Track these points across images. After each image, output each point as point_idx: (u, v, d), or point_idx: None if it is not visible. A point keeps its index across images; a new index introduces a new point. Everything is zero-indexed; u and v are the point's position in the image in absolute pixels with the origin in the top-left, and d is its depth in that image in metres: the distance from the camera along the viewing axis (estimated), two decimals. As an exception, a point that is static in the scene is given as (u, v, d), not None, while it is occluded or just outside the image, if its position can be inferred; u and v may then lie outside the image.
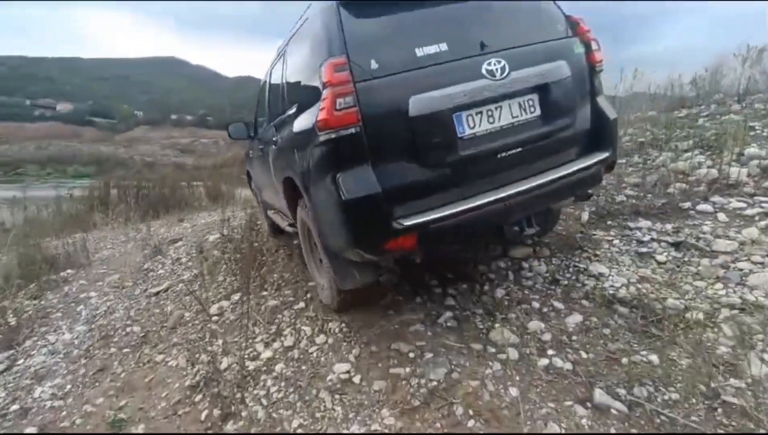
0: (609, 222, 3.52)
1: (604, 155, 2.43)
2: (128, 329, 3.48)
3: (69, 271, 5.77)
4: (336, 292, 2.63)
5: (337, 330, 2.66)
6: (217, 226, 5.80)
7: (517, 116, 2.22)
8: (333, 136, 1.97)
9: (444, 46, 2.12)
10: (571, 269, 2.98)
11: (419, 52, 2.09)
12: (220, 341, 2.89)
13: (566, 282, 2.84)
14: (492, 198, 2.12)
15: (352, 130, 1.95)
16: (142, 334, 3.37)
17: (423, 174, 2.07)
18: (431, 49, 2.10)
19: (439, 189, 2.12)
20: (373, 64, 2.02)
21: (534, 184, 2.21)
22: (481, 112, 2.15)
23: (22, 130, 63.31)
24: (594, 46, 2.46)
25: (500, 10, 2.35)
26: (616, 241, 3.20)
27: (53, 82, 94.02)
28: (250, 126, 4.25)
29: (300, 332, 2.71)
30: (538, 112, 2.27)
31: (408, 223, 2.00)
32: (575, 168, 2.33)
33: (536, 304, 2.65)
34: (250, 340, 2.74)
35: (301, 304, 3.06)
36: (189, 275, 4.45)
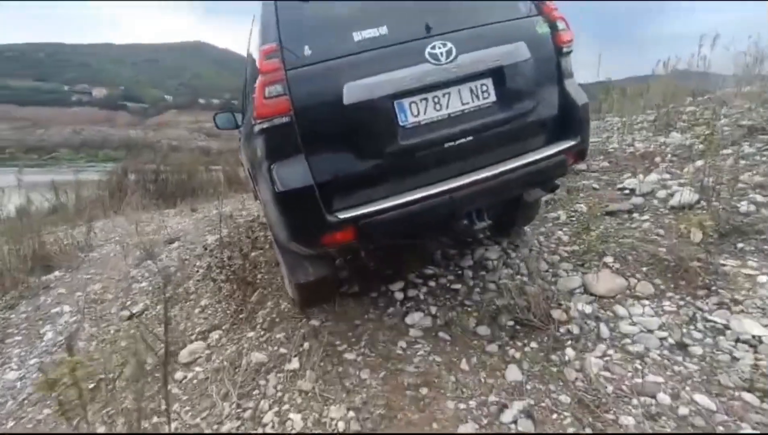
0: (739, 244, 2.44)
1: (570, 144, 2.21)
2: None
3: (56, 273, 5.11)
4: (294, 287, 2.50)
5: (342, 426, 1.73)
6: (220, 222, 4.97)
7: (467, 103, 2.05)
8: (265, 125, 1.87)
9: (384, 30, 2.00)
10: (701, 325, 1.95)
11: (357, 36, 1.98)
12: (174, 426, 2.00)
13: (701, 351, 1.81)
14: (435, 190, 1.97)
15: (284, 120, 1.85)
16: (92, 384, 2.56)
17: (361, 165, 1.96)
18: (370, 33, 1.98)
19: (379, 181, 2.00)
20: (307, 51, 1.92)
21: (484, 175, 2.02)
22: (426, 99, 2.00)
23: (61, 114, 65.13)
24: (561, 25, 2.23)
25: None
26: (762, 278, 2.13)
27: (88, 67, 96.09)
28: (239, 115, 3.74)
29: (286, 422, 1.79)
30: (493, 97, 2.09)
31: (344, 215, 1.90)
32: (533, 158, 2.12)
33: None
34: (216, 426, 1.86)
35: (295, 364, 2.14)
36: (172, 291, 3.64)
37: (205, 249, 4.78)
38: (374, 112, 1.90)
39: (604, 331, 2.03)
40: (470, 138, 2.02)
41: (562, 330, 2.07)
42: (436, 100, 2.00)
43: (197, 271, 4.16)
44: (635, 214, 3.10)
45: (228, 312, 2.91)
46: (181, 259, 4.55)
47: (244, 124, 2.84)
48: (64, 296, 4.32)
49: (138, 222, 7.37)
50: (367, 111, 1.89)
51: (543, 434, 1.60)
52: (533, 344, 2.03)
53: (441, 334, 2.27)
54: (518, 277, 2.70)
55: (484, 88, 2.06)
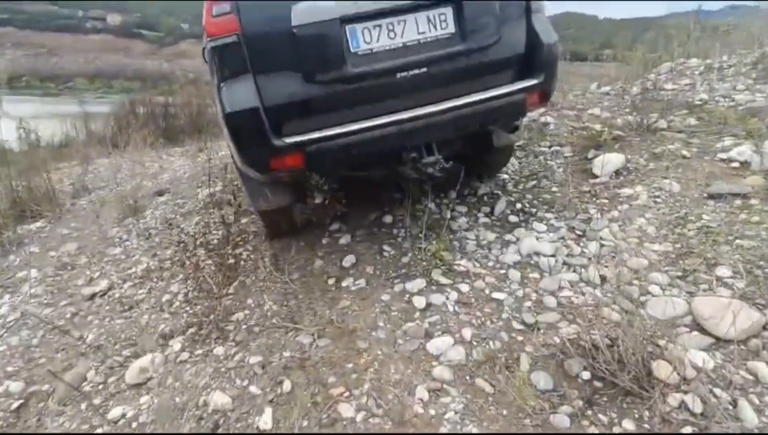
0: None
1: (531, 83, 2.11)
2: (6, 384, 2.11)
3: (38, 223, 4.58)
4: (260, 217, 2.60)
5: None
6: (209, 178, 4.27)
7: (424, 32, 1.96)
8: (214, 44, 1.83)
9: None
10: None
11: None
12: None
13: None
14: (385, 120, 1.94)
15: (232, 39, 1.81)
16: (17, 403, 2.00)
17: (311, 90, 1.91)
18: None
19: (329, 108, 1.97)
20: None
21: (434, 109, 1.98)
22: (379, 26, 1.91)
23: (78, 41, 63.45)
24: None
25: None
26: None
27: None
28: None
29: None
30: (451, 28, 1.98)
31: (290, 140, 1.89)
32: (488, 95, 2.05)
33: None
34: None
35: (267, 419, 1.48)
36: (142, 268, 3.02)
37: (195, 207, 4.13)
38: (323, 36, 1.86)
39: (747, 412, 1.28)
40: (424, 69, 1.96)
41: (672, 402, 1.33)
42: (390, 27, 1.92)
43: (179, 237, 3.53)
44: (754, 201, 2.23)
45: (198, 307, 2.26)
46: (165, 219, 3.91)
47: None
48: (36, 256, 3.78)
49: (139, 162, 6.83)
50: (316, 34, 1.85)
51: None
52: (627, 425, 1.30)
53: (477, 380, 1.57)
54: (587, 287, 1.93)
55: (443, 17, 1.97)
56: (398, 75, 1.94)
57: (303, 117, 1.94)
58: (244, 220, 3.32)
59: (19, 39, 60.32)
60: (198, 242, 2.84)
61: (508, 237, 2.41)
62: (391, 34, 1.92)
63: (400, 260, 2.31)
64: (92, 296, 2.84)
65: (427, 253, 2.21)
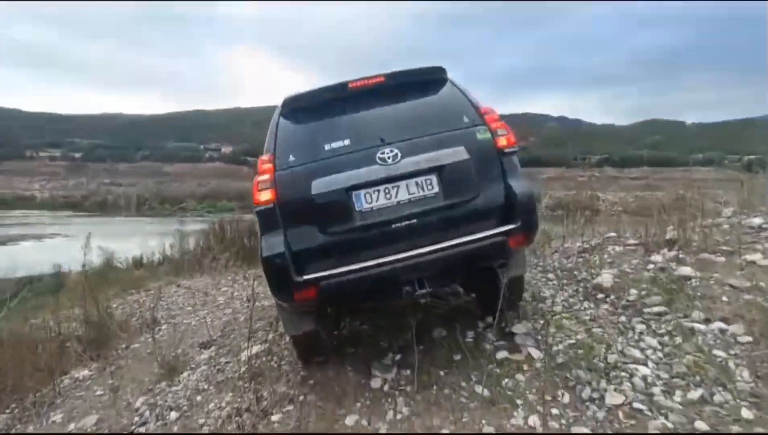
0: None
1: (509, 227, 2.49)
2: None
3: (85, 371, 4.26)
4: (292, 342, 3.03)
5: None
6: (249, 339, 3.67)
7: (414, 193, 2.49)
8: (258, 209, 2.51)
9: (347, 142, 2.58)
10: None
11: (327, 147, 2.58)
12: None
13: None
14: (383, 260, 2.36)
15: (270, 206, 2.48)
16: None
17: (326, 239, 2.44)
18: (336, 145, 2.58)
19: (339, 252, 2.43)
20: (291, 158, 2.59)
21: (423, 251, 2.39)
22: (378, 190, 2.47)
23: (195, 169, 75.17)
24: (501, 132, 2.63)
25: (407, 112, 2.81)
26: None
27: (220, 129, 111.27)
28: None
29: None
30: (436, 189, 2.50)
31: (306, 277, 2.34)
32: (469, 238, 2.44)
33: None
34: None
35: None
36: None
37: (234, 374, 3.50)
38: (335, 200, 2.43)
39: None
40: (414, 220, 2.44)
41: None
42: (386, 191, 2.48)
43: (204, 424, 2.84)
44: None
45: None
46: (197, 390, 3.30)
47: None
48: (55, 428, 3.31)
49: (215, 287, 6.75)
50: (329, 199, 2.44)
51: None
52: None
53: None
54: None
55: (429, 181, 2.50)
56: (393, 226, 2.43)
57: (318, 259, 2.42)
58: (286, 409, 2.56)
59: (153, 169, 73.06)
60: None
61: None
62: (388, 196, 2.46)
63: None
64: None
65: None
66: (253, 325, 3.57)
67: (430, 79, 2.92)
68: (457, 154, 2.52)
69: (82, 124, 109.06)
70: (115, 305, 6.72)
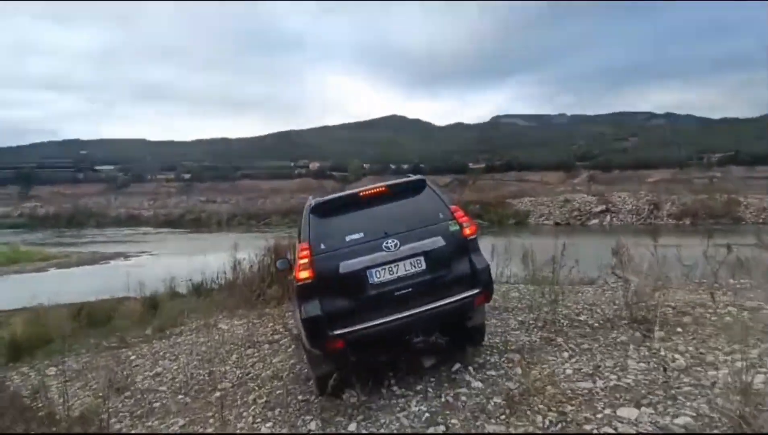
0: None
1: (474, 292, 3.81)
2: None
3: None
4: (315, 378, 4.02)
5: None
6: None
7: (409, 269, 3.74)
8: (299, 284, 3.69)
9: (362, 234, 3.79)
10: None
11: (348, 238, 3.77)
12: None
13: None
14: (389, 318, 3.58)
15: (309, 281, 3.64)
16: None
17: (348, 304, 3.65)
18: (355, 236, 3.78)
19: (358, 313, 3.62)
20: (322, 246, 3.74)
21: (417, 310, 3.64)
22: (384, 268, 3.69)
23: (283, 186, 79.79)
24: (465, 224, 3.97)
25: (401, 211, 4.07)
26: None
27: (310, 147, 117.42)
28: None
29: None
30: (423, 266, 3.76)
31: (336, 332, 3.53)
32: (448, 301, 3.72)
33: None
34: None
35: None
36: None
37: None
38: (355, 276, 3.63)
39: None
40: (410, 289, 3.69)
41: None
42: (390, 268, 3.70)
43: None
44: None
45: None
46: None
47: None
48: None
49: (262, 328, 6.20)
50: (351, 276, 3.63)
51: None
52: None
53: None
54: None
55: (419, 261, 3.76)
56: (395, 293, 3.68)
57: (343, 319, 3.59)
58: None
59: (250, 187, 78.93)
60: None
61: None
62: (392, 272, 3.72)
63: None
64: None
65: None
66: None
67: (416, 187, 4.25)
68: (437, 242, 3.82)
69: (194, 148, 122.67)
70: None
